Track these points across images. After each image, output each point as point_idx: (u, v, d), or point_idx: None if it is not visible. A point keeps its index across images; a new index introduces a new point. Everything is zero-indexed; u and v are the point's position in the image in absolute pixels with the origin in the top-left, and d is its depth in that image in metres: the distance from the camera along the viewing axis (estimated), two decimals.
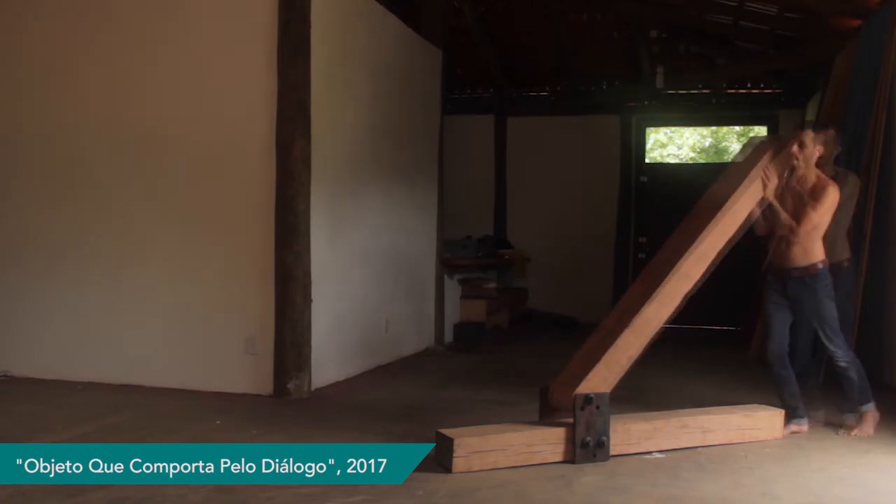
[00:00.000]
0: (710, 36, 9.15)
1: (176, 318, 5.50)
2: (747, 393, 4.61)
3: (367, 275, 6.41)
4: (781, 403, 4.54)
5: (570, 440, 3.78)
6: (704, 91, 10.17)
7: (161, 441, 4.08)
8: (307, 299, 5.30)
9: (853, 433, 4.41)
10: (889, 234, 5.89)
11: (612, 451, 3.84)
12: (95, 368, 5.61)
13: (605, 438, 3.81)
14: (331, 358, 5.70)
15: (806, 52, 8.07)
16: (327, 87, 5.56)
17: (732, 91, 10.19)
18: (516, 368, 6.72)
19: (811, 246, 4.47)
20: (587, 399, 3.80)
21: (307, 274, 5.30)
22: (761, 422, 4.33)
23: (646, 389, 5.56)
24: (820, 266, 4.47)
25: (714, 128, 13.80)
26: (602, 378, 3.89)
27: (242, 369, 5.35)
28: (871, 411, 4.47)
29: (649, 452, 3.96)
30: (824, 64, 7.61)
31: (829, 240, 4.57)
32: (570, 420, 3.82)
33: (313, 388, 5.37)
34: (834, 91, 7.09)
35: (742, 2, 7.48)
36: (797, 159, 4.47)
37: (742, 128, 14.75)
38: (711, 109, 10.23)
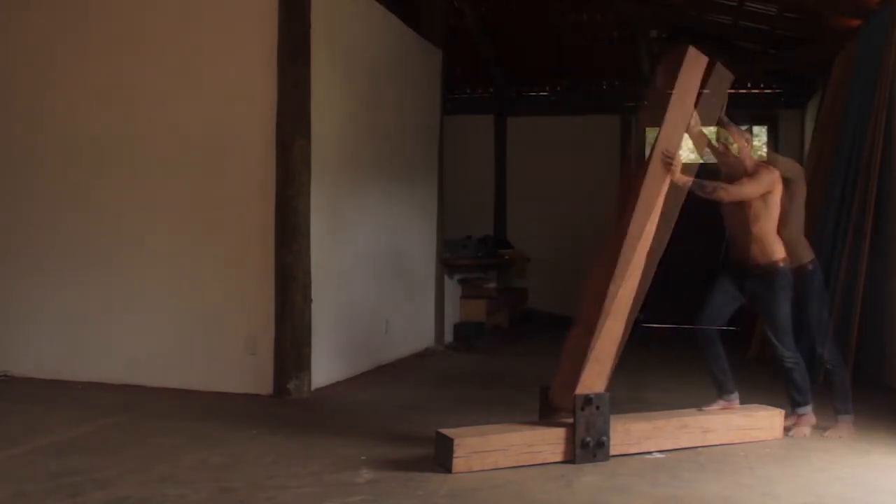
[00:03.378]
0: (710, 36, 9.14)
1: (176, 318, 5.50)
2: (747, 393, 4.61)
3: (367, 275, 6.41)
4: (712, 379, 4.54)
5: (570, 440, 3.78)
6: (704, 91, 10.14)
7: (161, 441, 4.08)
8: (307, 299, 5.30)
9: (790, 433, 4.41)
10: (889, 234, 5.89)
11: (612, 451, 3.84)
12: (95, 368, 5.61)
13: (605, 438, 3.81)
14: (331, 358, 5.70)
15: (806, 52, 8.07)
16: (327, 87, 5.56)
17: (732, 91, 10.12)
18: (516, 368, 6.72)
19: (769, 243, 4.41)
20: (587, 399, 3.80)
21: (307, 274, 5.30)
22: (761, 422, 4.33)
23: (646, 389, 5.58)
24: (781, 265, 4.42)
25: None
26: (596, 373, 3.88)
27: (242, 369, 5.35)
28: (806, 414, 4.46)
29: (649, 452, 3.96)
30: (824, 64, 7.61)
31: (787, 244, 4.51)
32: (570, 420, 3.82)
33: (313, 388, 5.37)
34: (834, 91, 7.09)
35: (742, 2, 7.48)
36: (727, 156, 4.45)
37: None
38: None
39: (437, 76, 7.92)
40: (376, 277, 6.57)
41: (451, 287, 8.24)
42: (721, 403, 4.48)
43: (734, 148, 4.44)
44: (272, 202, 5.26)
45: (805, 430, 4.43)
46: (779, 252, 4.43)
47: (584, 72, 10.34)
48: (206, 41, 5.50)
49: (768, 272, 4.41)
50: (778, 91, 9.96)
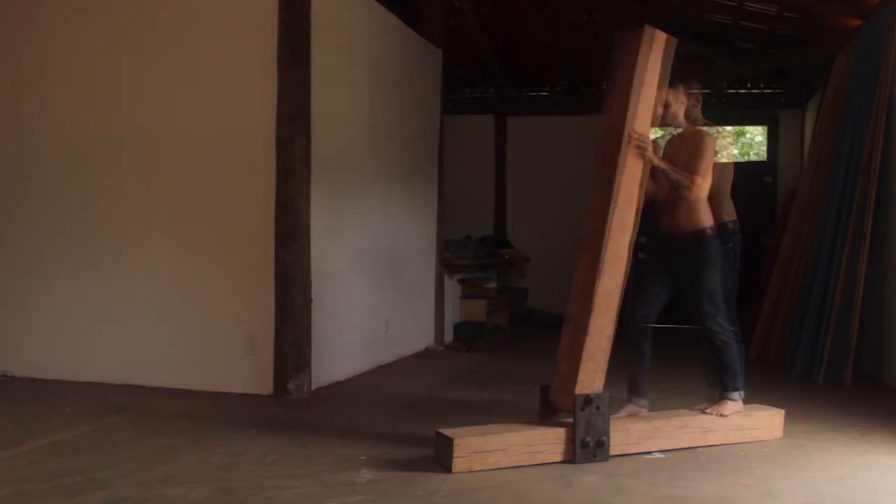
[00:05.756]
0: (709, 36, 9.15)
1: (176, 318, 5.50)
2: (747, 393, 4.60)
3: (367, 274, 6.41)
4: (628, 376, 4.34)
5: (571, 440, 3.77)
6: (704, 91, 10.14)
7: (161, 441, 4.08)
8: (307, 299, 5.30)
9: (706, 410, 4.24)
10: (889, 234, 5.89)
11: (612, 451, 3.83)
12: (95, 368, 5.61)
13: (605, 438, 3.81)
14: (331, 358, 5.70)
15: (806, 52, 8.07)
16: (327, 87, 5.56)
17: (732, 91, 10.19)
18: (516, 368, 6.72)
19: (697, 208, 4.23)
20: (587, 399, 3.80)
21: (307, 274, 5.30)
22: (761, 422, 4.32)
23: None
24: (709, 232, 4.23)
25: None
26: (592, 371, 3.86)
27: (242, 369, 5.35)
28: (734, 400, 4.26)
29: (649, 452, 3.96)
30: (824, 64, 7.61)
31: (715, 201, 4.34)
32: (570, 420, 3.82)
33: (313, 388, 5.37)
34: (834, 91, 7.09)
35: (742, 2, 7.48)
36: (677, 118, 4.32)
37: (738, 128, 14.72)
38: (711, 109, 10.16)
39: (437, 76, 7.92)
40: (376, 277, 6.57)
41: (451, 287, 8.24)
42: (630, 409, 4.32)
43: (677, 109, 4.34)
44: (272, 202, 5.26)
45: (724, 410, 4.22)
46: (707, 219, 4.25)
47: (585, 72, 10.33)
48: (206, 41, 5.50)
49: (694, 240, 4.24)
50: (778, 91, 9.97)
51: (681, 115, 4.36)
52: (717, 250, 4.26)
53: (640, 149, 4.00)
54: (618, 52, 4.22)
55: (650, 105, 4.10)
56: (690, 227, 4.26)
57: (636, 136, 3.99)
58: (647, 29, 4.09)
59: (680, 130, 4.41)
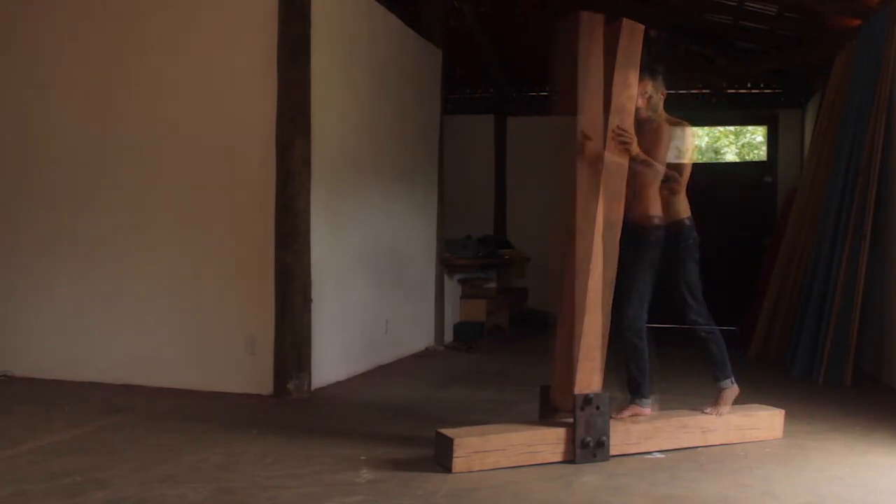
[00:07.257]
0: (710, 36, 9.14)
1: (176, 318, 5.51)
2: (747, 393, 4.60)
3: (367, 275, 6.41)
4: (627, 377, 4.22)
5: (570, 440, 3.77)
6: (704, 91, 10.17)
7: (161, 441, 4.08)
8: (307, 299, 5.30)
9: (706, 410, 4.22)
10: (889, 234, 5.89)
11: (612, 451, 3.83)
12: (95, 368, 5.61)
13: (605, 438, 3.81)
14: (331, 358, 5.70)
15: (806, 52, 8.07)
16: (327, 87, 5.57)
17: (732, 91, 10.19)
18: (516, 368, 6.72)
19: (675, 200, 4.21)
20: (587, 399, 3.80)
21: (307, 274, 5.30)
22: (761, 422, 4.32)
23: None
24: (686, 223, 4.22)
25: (708, 128, 13.75)
26: (590, 370, 3.86)
27: (242, 369, 5.35)
28: (727, 388, 4.27)
29: (649, 452, 3.96)
30: (824, 64, 7.61)
31: (666, 199, 4.24)
32: (570, 420, 3.82)
33: (313, 388, 5.37)
34: (834, 91, 7.09)
35: (742, 2, 7.48)
36: (647, 112, 4.22)
37: (738, 127, 14.72)
38: (711, 109, 10.23)
39: (437, 76, 7.92)
40: (376, 277, 6.57)
41: (451, 287, 8.24)
42: (633, 409, 4.16)
43: (653, 102, 4.24)
44: (272, 202, 5.26)
45: (724, 407, 4.23)
46: (684, 210, 4.22)
47: None
48: (206, 41, 5.51)
49: (671, 232, 4.19)
50: (778, 91, 9.97)
51: (661, 105, 4.30)
52: (695, 241, 4.24)
53: (625, 144, 3.96)
54: (589, 44, 4.04)
55: (633, 99, 4.06)
56: (668, 219, 4.23)
57: (619, 130, 3.95)
58: (627, 22, 4.02)
59: (659, 123, 4.28)
